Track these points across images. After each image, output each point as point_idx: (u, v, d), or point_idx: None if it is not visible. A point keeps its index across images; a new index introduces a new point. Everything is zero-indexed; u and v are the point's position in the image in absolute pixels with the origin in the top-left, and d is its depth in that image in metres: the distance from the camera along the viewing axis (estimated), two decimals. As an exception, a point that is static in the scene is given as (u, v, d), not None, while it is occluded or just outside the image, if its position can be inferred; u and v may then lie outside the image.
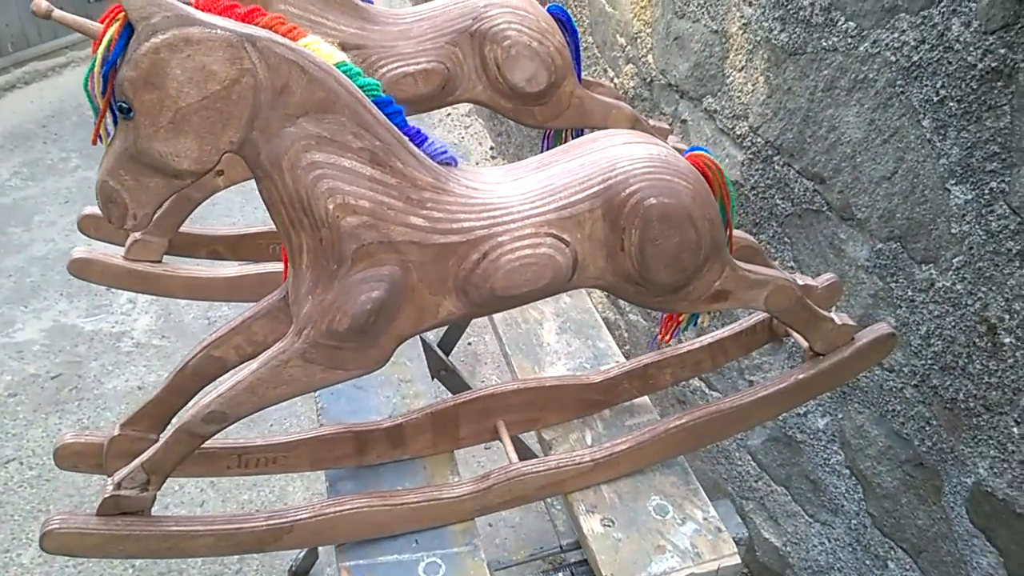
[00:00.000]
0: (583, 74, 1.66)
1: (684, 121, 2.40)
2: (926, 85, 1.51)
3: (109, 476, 1.22)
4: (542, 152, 1.67)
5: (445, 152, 1.11)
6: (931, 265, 1.58)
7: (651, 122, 1.72)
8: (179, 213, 1.57)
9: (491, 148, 4.37)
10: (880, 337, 1.41)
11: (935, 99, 1.50)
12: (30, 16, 4.66)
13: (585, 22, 3.00)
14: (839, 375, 1.42)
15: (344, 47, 1.40)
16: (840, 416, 1.92)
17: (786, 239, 2.01)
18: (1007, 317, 1.44)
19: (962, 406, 1.57)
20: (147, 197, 0.96)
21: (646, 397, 1.56)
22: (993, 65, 1.37)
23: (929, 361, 1.62)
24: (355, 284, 1.05)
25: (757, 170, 2.07)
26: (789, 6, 1.83)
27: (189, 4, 0.94)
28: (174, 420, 1.21)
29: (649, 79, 2.58)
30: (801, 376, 1.40)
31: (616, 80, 2.81)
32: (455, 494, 1.32)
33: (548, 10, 1.52)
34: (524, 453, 1.74)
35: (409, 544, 1.31)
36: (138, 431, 1.26)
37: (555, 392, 1.48)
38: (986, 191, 1.44)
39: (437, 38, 1.45)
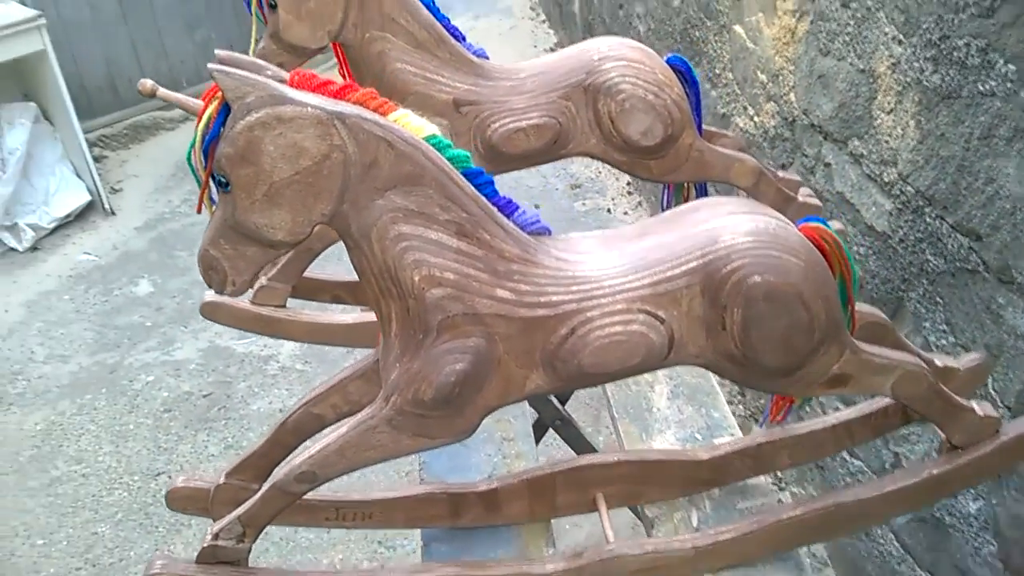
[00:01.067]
0: (704, 124, 1.58)
1: (828, 164, 2.25)
2: (1103, 139, 1.33)
3: (214, 521, 1.27)
4: (662, 206, 1.61)
5: (537, 222, 1.08)
6: (1107, 343, 1.38)
7: (780, 174, 1.61)
8: (301, 261, 1.63)
9: (628, 183, 4.30)
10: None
11: (1114, 155, 1.31)
12: (204, 53, 5.07)
13: (725, 57, 2.89)
14: (980, 472, 1.26)
15: (458, 103, 1.41)
16: (995, 502, 1.70)
17: (937, 299, 1.83)
18: None
19: None
20: (245, 265, 1.00)
21: (763, 477, 1.44)
22: None
23: (1103, 452, 1.41)
24: (440, 355, 1.05)
25: (906, 221, 1.90)
26: (942, 46, 1.66)
27: (285, 82, 0.97)
28: (271, 476, 1.24)
29: (791, 118, 2.43)
30: (935, 471, 1.25)
31: (756, 119, 2.68)
32: (546, 571, 1.27)
33: (667, 61, 1.47)
34: (622, 529, 1.66)
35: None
36: (242, 480, 1.30)
37: (659, 467, 1.39)
38: None
39: (549, 92, 1.43)
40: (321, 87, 0.98)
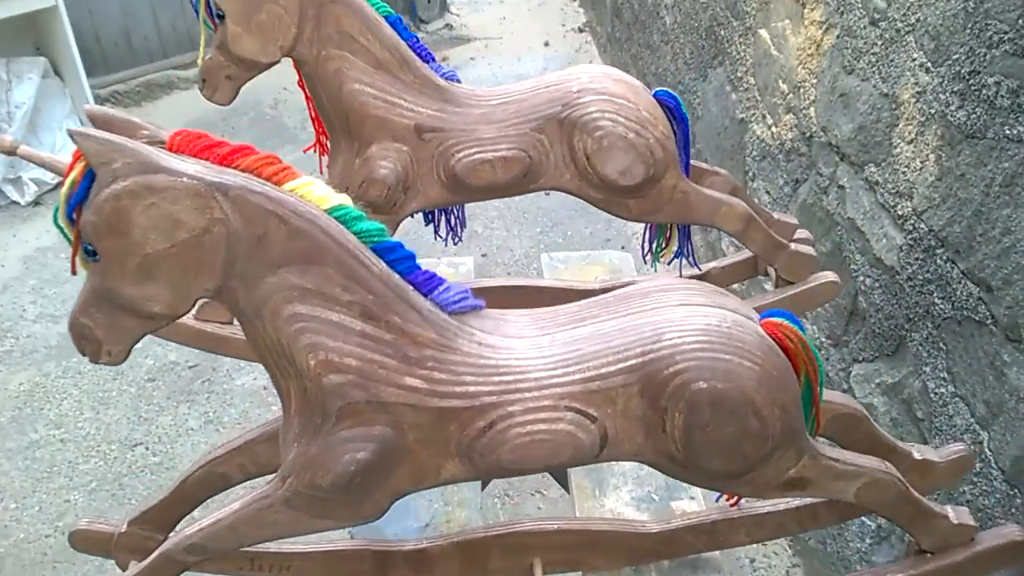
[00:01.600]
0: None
1: (842, 187, 2.14)
2: None
3: (119, 566, 1.25)
4: (642, 247, 1.49)
5: (461, 300, 0.98)
6: (1115, 421, 1.27)
7: (775, 215, 1.50)
8: None
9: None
10: (1007, 545, 1.14)
11: None
12: (225, 15, 4.97)
13: (748, 61, 2.76)
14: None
15: (420, 129, 1.31)
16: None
17: (941, 345, 1.72)
18: None
19: None
20: (121, 335, 0.91)
21: (717, 552, 1.35)
22: None
23: (1100, 536, 1.32)
24: (339, 442, 0.96)
25: (916, 259, 1.79)
26: (971, 81, 1.55)
27: (163, 144, 0.89)
28: (173, 535, 1.18)
29: (809, 134, 2.32)
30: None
31: (774, 129, 2.56)
32: None
33: (655, 95, 1.35)
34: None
35: None
36: (144, 530, 1.25)
37: (604, 537, 1.30)
38: None
39: (521, 124, 1.32)
40: (206, 151, 0.88)
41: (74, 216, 0.86)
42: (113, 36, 4.70)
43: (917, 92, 1.75)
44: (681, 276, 1.60)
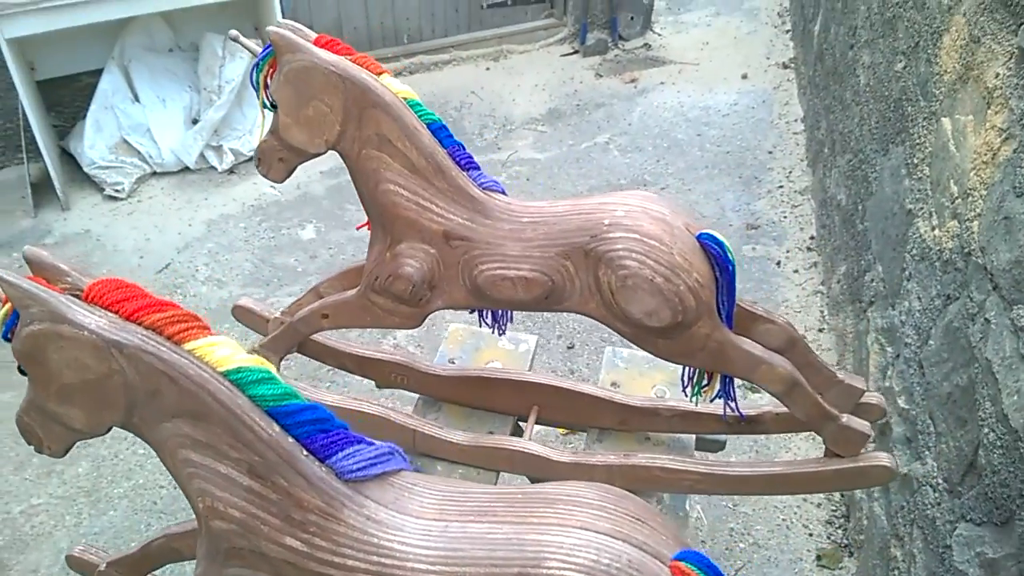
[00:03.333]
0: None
1: (988, 320, 1.88)
2: None
3: None
4: (683, 378, 1.44)
5: (369, 467, 0.97)
6: None
7: (840, 375, 1.33)
8: (291, 340, 1.65)
9: (810, 238, 3.91)
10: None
11: None
12: (428, 11, 5.18)
13: (927, 148, 2.49)
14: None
15: (449, 236, 1.31)
16: None
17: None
18: None
19: None
20: (56, 438, 1.03)
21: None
22: None
23: None
24: None
25: (1043, 431, 1.55)
26: None
27: (80, 292, 0.98)
28: None
29: (968, 249, 2.06)
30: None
31: (936, 232, 2.30)
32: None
33: (698, 238, 1.24)
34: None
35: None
36: (119, 573, 1.42)
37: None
38: None
39: (548, 247, 1.27)
40: (118, 304, 0.96)
41: (9, 336, 0.99)
42: (326, 24, 5.04)
43: (1078, 243, 1.50)
44: (725, 414, 1.49)
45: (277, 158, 1.34)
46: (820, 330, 3.44)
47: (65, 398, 0.98)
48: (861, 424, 1.30)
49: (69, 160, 4.38)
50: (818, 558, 2.59)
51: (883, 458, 1.33)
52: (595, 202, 1.30)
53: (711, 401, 1.45)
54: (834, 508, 2.74)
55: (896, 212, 2.73)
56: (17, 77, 3.76)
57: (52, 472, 2.88)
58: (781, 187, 4.27)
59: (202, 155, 4.44)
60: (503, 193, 1.36)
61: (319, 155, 1.37)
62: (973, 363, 1.92)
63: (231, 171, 4.48)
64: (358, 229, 1.59)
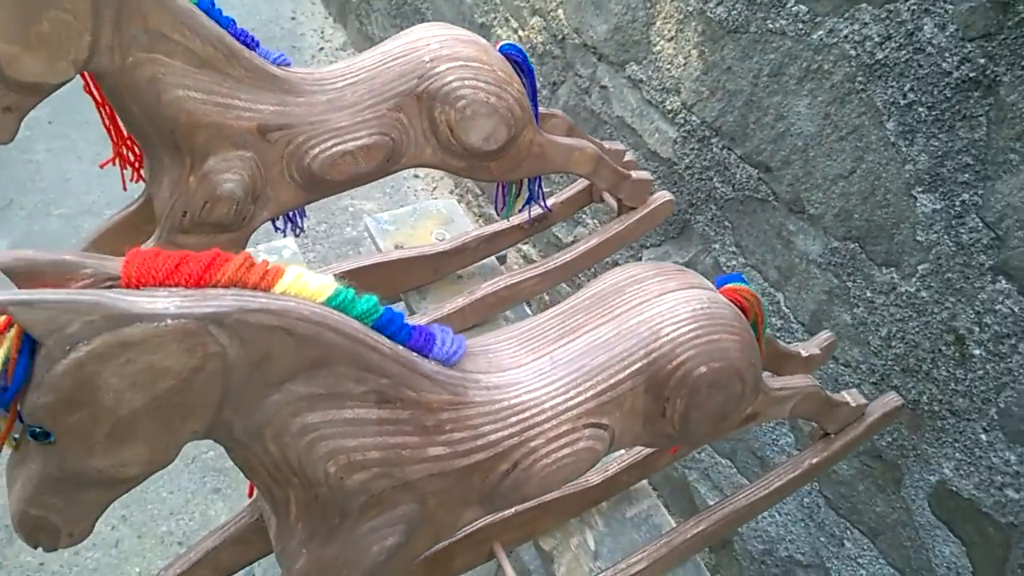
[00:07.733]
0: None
1: (604, 87, 2.23)
2: (892, 86, 1.41)
3: None
4: (495, 205, 1.48)
5: (460, 347, 0.90)
6: (893, 269, 1.52)
7: (606, 145, 1.54)
8: None
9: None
10: (891, 411, 1.35)
11: (902, 102, 1.40)
12: None
13: (479, -36, 2.72)
14: (849, 451, 1.37)
15: (264, 129, 1.13)
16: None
17: (726, 223, 1.92)
18: (977, 329, 1.41)
19: (925, 408, 1.55)
20: (85, 511, 0.74)
21: (644, 480, 1.46)
22: (971, 75, 1.28)
23: (890, 362, 1.60)
24: (365, 535, 0.88)
25: (692, 149, 1.95)
26: (728, -20, 1.66)
27: (116, 280, 0.67)
28: None
29: (560, 36, 2.37)
30: (815, 460, 1.33)
31: (521, 32, 2.58)
32: None
33: (501, 50, 1.29)
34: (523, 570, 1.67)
35: None
36: None
37: (555, 503, 1.34)
38: (957, 202, 1.37)
39: (377, 105, 1.19)
40: (173, 273, 0.68)
41: (11, 405, 0.64)
42: None
43: (672, -8, 1.84)
44: (530, 219, 1.61)
45: (2, 108, 0.97)
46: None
47: (120, 439, 0.68)
48: (644, 175, 1.52)
49: None
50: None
51: (666, 195, 1.57)
52: (403, 44, 1.22)
53: (521, 209, 1.55)
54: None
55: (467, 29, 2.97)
56: None
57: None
58: (322, 49, 4.27)
59: None
60: (291, 65, 1.19)
61: (62, 85, 1.02)
62: (603, 126, 2.27)
63: None
64: (102, 167, 1.24)
